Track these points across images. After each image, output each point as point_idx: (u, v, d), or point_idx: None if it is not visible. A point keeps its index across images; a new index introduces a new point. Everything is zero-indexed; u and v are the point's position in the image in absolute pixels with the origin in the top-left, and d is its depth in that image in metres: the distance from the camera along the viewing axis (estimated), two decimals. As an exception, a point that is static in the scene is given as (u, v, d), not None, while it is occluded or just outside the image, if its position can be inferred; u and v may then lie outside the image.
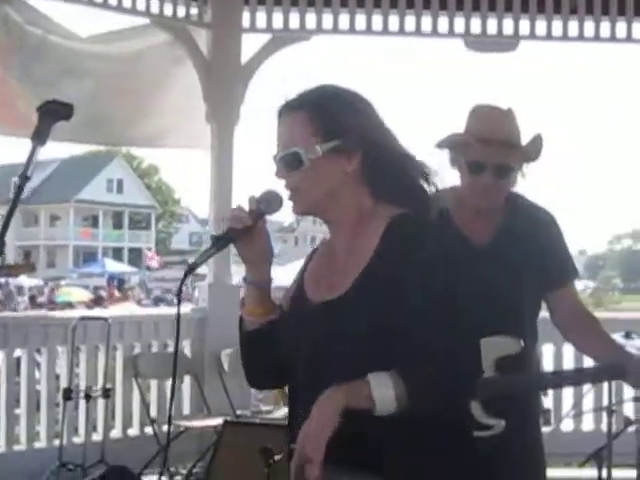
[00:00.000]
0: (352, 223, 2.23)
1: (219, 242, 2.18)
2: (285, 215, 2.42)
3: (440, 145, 3.36)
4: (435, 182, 2.25)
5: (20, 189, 2.27)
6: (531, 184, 3.80)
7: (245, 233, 2.18)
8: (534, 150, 3.43)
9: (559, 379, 3.98)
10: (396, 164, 2.21)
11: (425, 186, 2.24)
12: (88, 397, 6.55)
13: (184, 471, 6.83)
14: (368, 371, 2.04)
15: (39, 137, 2.28)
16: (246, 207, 2.22)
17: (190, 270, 2.23)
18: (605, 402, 5.06)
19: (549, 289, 3.55)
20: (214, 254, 2.20)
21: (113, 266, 44.21)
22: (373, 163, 2.18)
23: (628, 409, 5.95)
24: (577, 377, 3.87)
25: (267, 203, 2.22)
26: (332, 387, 2.00)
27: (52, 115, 2.30)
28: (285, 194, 2.26)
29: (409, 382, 2.01)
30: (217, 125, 7.40)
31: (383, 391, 2.01)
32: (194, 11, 7.14)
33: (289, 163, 2.18)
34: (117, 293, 27.12)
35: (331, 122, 2.16)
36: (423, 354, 2.05)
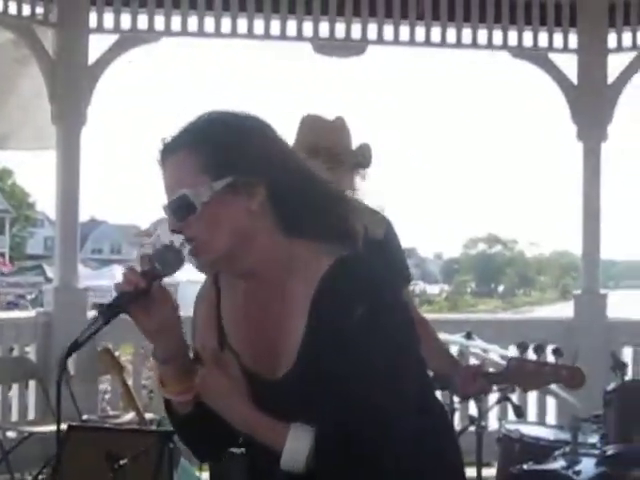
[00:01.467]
0: (273, 270, 1.93)
1: (107, 312, 1.79)
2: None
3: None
4: (352, 204, 2.04)
5: None
6: (384, 188, 3.88)
7: (139, 299, 1.82)
8: (362, 157, 3.50)
9: None
10: (309, 191, 1.92)
11: (344, 211, 1.98)
12: None
13: (29, 477, 6.68)
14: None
15: None
16: (139, 268, 1.87)
17: (70, 352, 1.84)
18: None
19: None
20: (101, 328, 1.80)
21: None
22: (282, 193, 1.88)
23: (473, 408, 5.81)
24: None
25: (163, 261, 1.84)
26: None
27: None
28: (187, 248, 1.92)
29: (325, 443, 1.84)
30: (63, 126, 7.21)
31: (297, 444, 1.84)
32: (40, 10, 6.98)
33: (179, 211, 1.85)
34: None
35: (220, 154, 1.85)
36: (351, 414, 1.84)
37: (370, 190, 3.65)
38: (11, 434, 6.65)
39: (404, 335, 1.86)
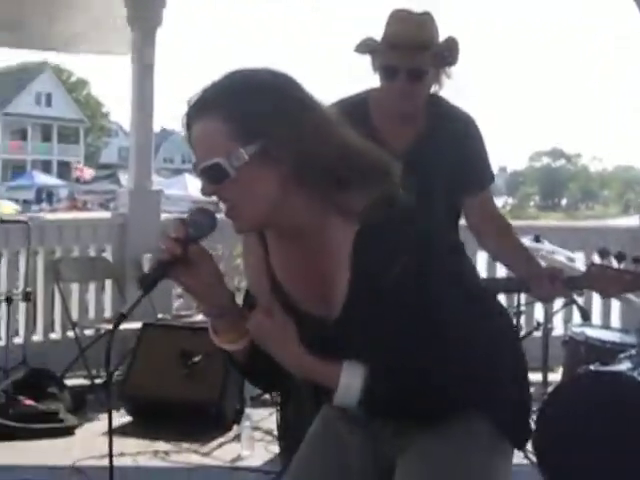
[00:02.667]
0: (309, 227, 1.97)
1: (146, 282, 1.84)
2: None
3: (357, 50, 3.35)
4: (395, 169, 1.99)
5: None
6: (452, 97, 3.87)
7: (178, 265, 1.87)
8: (448, 52, 3.39)
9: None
10: (340, 159, 1.90)
11: (378, 179, 1.96)
12: (9, 300, 6.57)
13: (103, 373, 6.82)
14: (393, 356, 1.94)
15: None
16: (173, 233, 1.88)
17: (120, 320, 1.94)
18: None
19: (467, 194, 3.60)
20: (142, 297, 1.86)
21: (42, 179, 44.82)
22: (308, 162, 1.88)
23: (538, 312, 6.31)
24: (491, 286, 4.00)
25: (196, 225, 1.88)
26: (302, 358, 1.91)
27: None
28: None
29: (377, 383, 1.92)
30: (139, 29, 7.22)
31: (350, 381, 1.92)
32: None
33: (212, 176, 1.86)
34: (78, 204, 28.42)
35: (250, 119, 1.84)
36: (396, 359, 1.93)
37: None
38: (88, 332, 6.91)
39: (443, 281, 1.92)
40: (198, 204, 1.96)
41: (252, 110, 1.79)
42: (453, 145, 3.51)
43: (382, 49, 3.35)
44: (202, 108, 1.81)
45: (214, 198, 1.91)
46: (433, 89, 3.50)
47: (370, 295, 1.89)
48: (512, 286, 4.21)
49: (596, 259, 3.75)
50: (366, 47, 3.36)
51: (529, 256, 3.68)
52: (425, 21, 3.40)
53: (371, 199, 1.87)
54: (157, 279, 1.81)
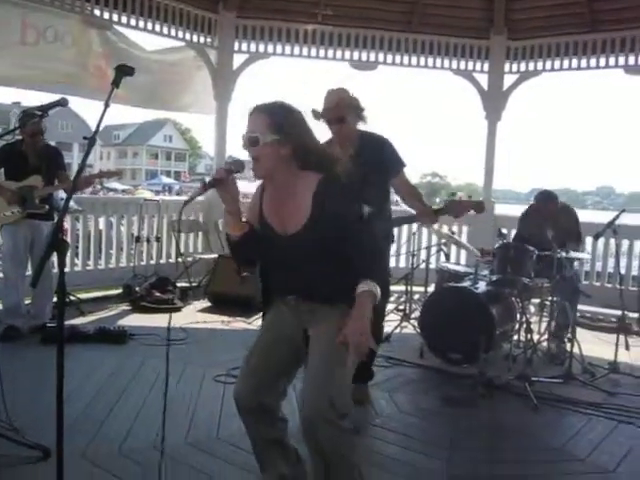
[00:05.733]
0: (289, 182, 2.72)
1: (205, 186, 2.68)
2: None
3: (316, 117, 4.30)
4: (335, 158, 2.77)
5: (92, 140, 2.68)
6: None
7: (221, 182, 2.67)
8: (359, 109, 4.38)
9: (397, 221, 4.92)
10: (313, 152, 2.72)
11: (331, 161, 2.75)
12: (148, 241, 8.93)
13: (197, 280, 9.09)
14: (317, 258, 2.72)
15: (114, 84, 2.70)
16: (223, 167, 2.71)
17: (186, 203, 2.89)
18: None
19: (392, 175, 4.49)
20: (201, 194, 2.79)
21: (165, 180, 63.02)
22: (299, 151, 2.68)
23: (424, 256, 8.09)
24: (401, 220, 5.07)
25: (235, 165, 2.69)
26: (362, 307, 2.58)
27: (122, 71, 2.75)
28: (249, 163, 2.69)
29: (368, 275, 2.61)
30: (219, 101, 9.63)
31: (376, 291, 2.60)
32: (209, 39, 9.61)
33: (251, 141, 2.64)
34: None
35: (277, 124, 2.64)
36: (362, 253, 2.65)
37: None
38: (189, 258, 9.19)
39: (360, 206, 2.75)
40: (236, 158, 2.69)
41: (282, 119, 2.64)
42: (375, 152, 4.40)
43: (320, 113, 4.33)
44: (261, 108, 2.67)
45: (247, 155, 2.67)
46: (359, 127, 4.47)
47: (322, 217, 2.61)
48: (409, 221, 5.15)
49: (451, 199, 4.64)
50: (316, 114, 4.26)
51: (421, 203, 4.44)
52: (343, 91, 4.35)
53: (328, 170, 2.69)
54: (211, 186, 2.65)
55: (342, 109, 4.32)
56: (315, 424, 2.64)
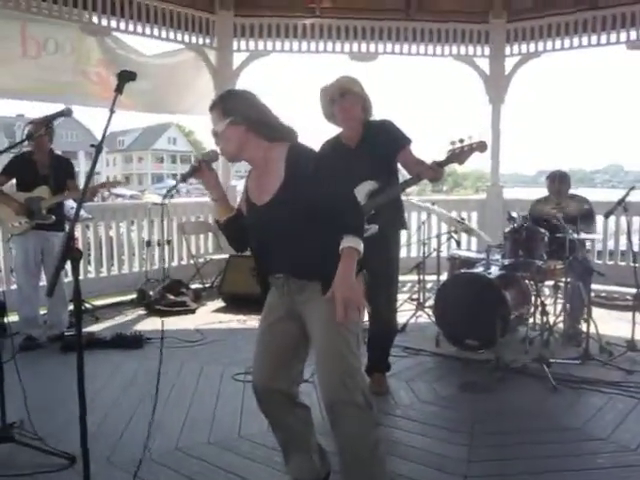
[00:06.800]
0: (261, 157, 2.88)
1: (184, 175, 2.98)
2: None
3: (324, 95, 4.61)
4: (290, 126, 2.92)
5: (99, 148, 2.65)
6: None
7: (198, 170, 2.96)
8: (365, 98, 4.53)
9: (402, 185, 4.72)
10: (271, 124, 2.90)
11: (286, 127, 2.92)
12: (159, 244, 8.82)
13: (209, 281, 9.22)
14: (296, 229, 2.78)
15: (118, 90, 2.69)
16: (200, 157, 3.00)
17: (171, 190, 3.24)
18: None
19: (397, 153, 4.52)
20: (181, 182, 3.05)
21: (172, 183, 54.93)
22: (255, 125, 2.85)
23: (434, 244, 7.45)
24: (406, 184, 4.71)
25: (207, 155, 2.98)
26: (346, 266, 2.64)
27: (124, 77, 2.74)
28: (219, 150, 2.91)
29: (350, 231, 2.69)
30: None
31: (359, 245, 2.68)
32: (208, 40, 9.57)
33: (215, 133, 2.88)
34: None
35: (227, 108, 2.85)
36: (338, 208, 2.72)
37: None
38: (201, 260, 9.27)
39: (333, 170, 2.82)
40: (212, 149, 2.94)
41: (231, 102, 2.86)
42: (380, 135, 4.53)
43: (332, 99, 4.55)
44: (213, 102, 2.92)
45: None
46: (364, 116, 4.63)
47: (295, 180, 2.74)
48: (414, 181, 4.61)
49: (450, 146, 4.38)
50: (323, 92, 4.57)
51: (424, 165, 4.42)
52: (352, 80, 4.53)
53: (290, 140, 2.86)
54: (189, 175, 2.93)
55: (347, 86, 4.49)
56: (333, 409, 2.73)
